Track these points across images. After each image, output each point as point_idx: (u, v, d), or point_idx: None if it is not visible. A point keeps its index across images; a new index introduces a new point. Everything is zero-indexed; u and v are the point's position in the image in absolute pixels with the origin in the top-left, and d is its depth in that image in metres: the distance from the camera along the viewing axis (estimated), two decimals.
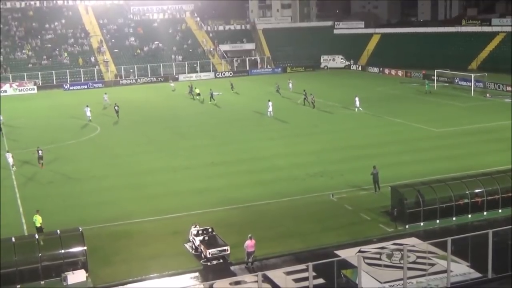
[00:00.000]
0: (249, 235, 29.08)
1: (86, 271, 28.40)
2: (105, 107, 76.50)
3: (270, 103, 67.38)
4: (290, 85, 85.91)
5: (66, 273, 27.96)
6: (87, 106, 69.48)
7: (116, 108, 70.51)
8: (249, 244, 28.86)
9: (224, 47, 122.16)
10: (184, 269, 29.15)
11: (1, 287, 27.41)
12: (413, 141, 53.52)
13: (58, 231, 29.70)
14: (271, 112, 66.49)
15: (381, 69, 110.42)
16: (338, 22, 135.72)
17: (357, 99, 68.98)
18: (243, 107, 75.25)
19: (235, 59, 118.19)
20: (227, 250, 29.74)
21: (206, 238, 30.52)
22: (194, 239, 31.08)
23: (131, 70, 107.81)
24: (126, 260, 30.37)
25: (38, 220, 33.23)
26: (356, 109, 68.48)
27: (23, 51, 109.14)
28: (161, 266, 29.30)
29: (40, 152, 49.02)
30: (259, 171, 45.63)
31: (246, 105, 77.00)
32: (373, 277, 26.89)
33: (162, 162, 49.43)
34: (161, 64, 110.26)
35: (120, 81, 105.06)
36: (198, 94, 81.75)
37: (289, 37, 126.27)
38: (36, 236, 29.53)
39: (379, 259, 28.81)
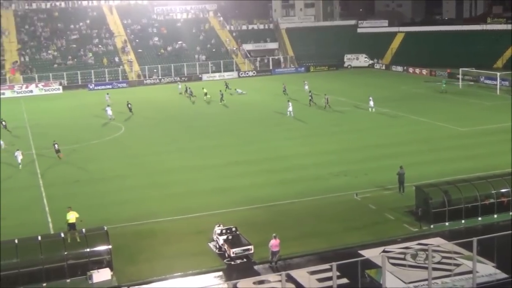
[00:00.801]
0: (274, 235, 29.06)
1: (111, 270, 28.61)
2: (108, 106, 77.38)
3: (290, 103, 67.40)
4: (306, 86, 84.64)
5: (91, 271, 28.20)
6: (108, 105, 70.72)
7: (129, 106, 72.66)
8: (274, 243, 28.83)
9: (248, 47, 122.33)
10: (207, 268, 29.24)
11: (28, 285, 27.71)
12: (437, 140, 53.13)
13: (83, 229, 29.98)
14: (291, 112, 66.42)
15: (405, 68, 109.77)
16: (361, 21, 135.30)
17: (371, 98, 68.65)
18: (263, 107, 75.12)
19: (258, 58, 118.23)
20: (251, 249, 29.77)
21: (230, 237, 30.58)
22: (218, 238, 31.16)
23: (155, 70, 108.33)
24: (150, 259, 30.54)
25: (75, 215, 33.50)
26: (370, 109, 68.05)
27: (49, 52, 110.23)
28: (185, 265, 29.40)
29: (56, 146, 51.93)
30: (281, 170, 45.58)
31: (266, 104, 76.85)
32: (397, 277, 26.75)
33: (185, 162, 49.61)
34: (185, 64, 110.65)
35: (144, 81, 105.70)
36: (206, 94, 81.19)
37: (313, 36, 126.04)
38: (62, 235, 29.74)
39: (404, 259, 28.63)
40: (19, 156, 49.69)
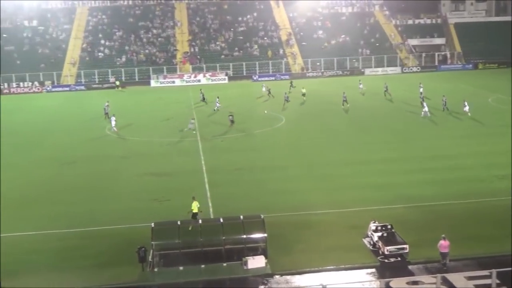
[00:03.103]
0: (442, 236, 28.51)
1: (266, 258, 29.34)
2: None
3: (425, 104, 65.75)
4: (421, 89, 76.86)
5: (246, 257, 29.11)
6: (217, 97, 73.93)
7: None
8: (443, 244, 28.23)
9: (413, 42, 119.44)
10: (360, 264, 29.23)
11: (187, 265, 29.15)
12: None
13: (241, 216, 30.84)
14: (428, 112, 64.07)
15: None
16: None
17: (465, 103, 64.27)
18: (407, 104, 72.25)
19: (423, 54, 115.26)
20: (406, 248, 29.35)
21: (385, 234, 30.34)
22: (373, 234, 31.01)
23: (318, 63, 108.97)
24: (304, 250, 30.99)
25: (197, 205, 34.22)
26: (469, 114, 63.50)
27: (217, 43, 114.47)
28: (338, 259, 29.57)
29: (231, 117, 62.63)
30: (442, 169, 44.24)
31: (409, 102, 73.51)
32: None
33: (343, 155, 49.63)
34: (348, 58, 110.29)
35: (306, 74, 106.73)
36: (303, 95, 78.82)
37: (483, 32, 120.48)
38: (221, 220, 30.79)
39: None
40: (190, 125, 58.47)
